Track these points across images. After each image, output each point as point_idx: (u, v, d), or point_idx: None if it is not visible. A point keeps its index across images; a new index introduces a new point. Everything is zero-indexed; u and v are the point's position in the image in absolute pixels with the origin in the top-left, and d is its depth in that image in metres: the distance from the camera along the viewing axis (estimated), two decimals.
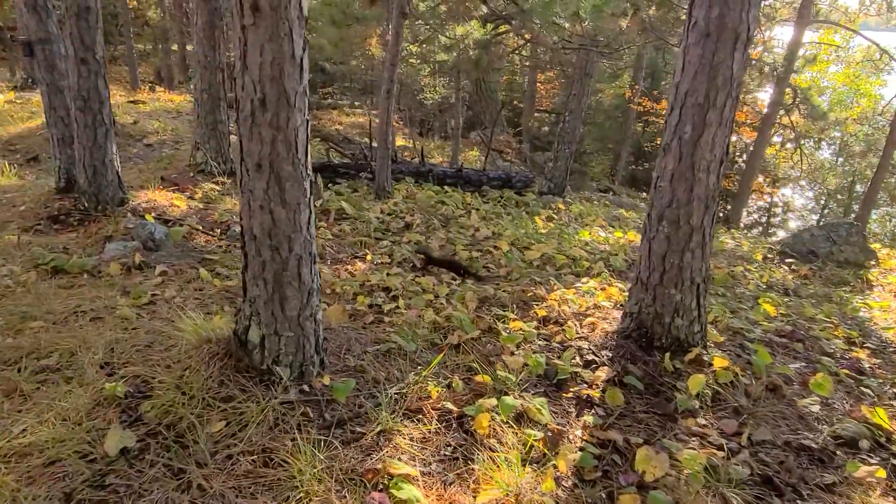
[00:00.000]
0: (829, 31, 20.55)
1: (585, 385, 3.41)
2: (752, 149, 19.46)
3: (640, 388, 3.43)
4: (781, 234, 22.06)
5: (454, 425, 2.93)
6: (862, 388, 3.68)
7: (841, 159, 24.83)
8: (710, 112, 3.50)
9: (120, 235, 5.31)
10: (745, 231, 17.33)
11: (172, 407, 2.72)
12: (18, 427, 2.59)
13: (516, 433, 2.87)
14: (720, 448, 2.89)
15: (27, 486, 2.26)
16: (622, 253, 6.47)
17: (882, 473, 2.72)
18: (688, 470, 2.66)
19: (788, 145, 23.62)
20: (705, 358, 3.71)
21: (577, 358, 3.68)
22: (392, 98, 7.77)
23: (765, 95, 19.06)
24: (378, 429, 2.76)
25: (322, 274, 5.12)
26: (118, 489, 2.30)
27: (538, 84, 24.72)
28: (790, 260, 8.19)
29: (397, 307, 4.22)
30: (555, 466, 2.63)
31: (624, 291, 4.92)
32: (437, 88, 20.09)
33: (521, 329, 3.94)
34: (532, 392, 3.29)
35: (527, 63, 18.94)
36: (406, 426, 2.85)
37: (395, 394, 3.07)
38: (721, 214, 13.81)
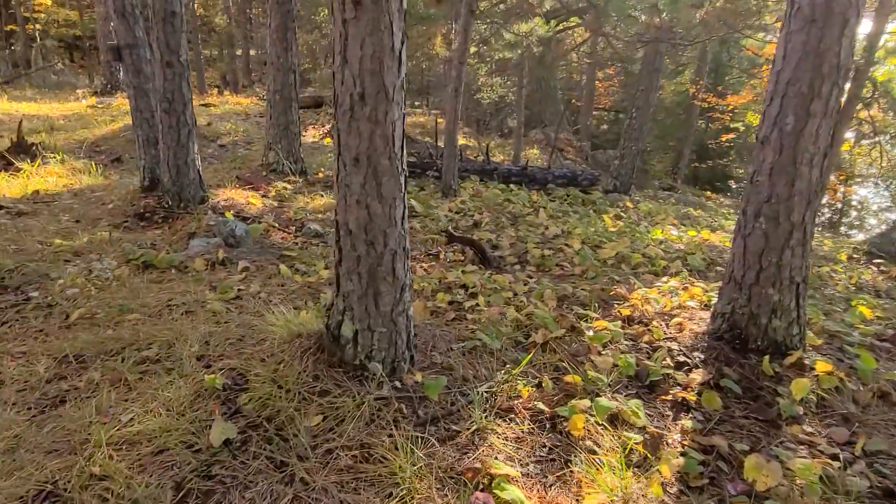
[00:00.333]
0: None
1: (679, 387, 3.28)
2: None
3: (738, 392, 3.27)
4: (854, 233, 20.93)
5: (547, 426, 2.86)
6: None
7: None
8: (815, 102, 3.30)
9: (202, 232, 5.46)
10: (819, 229, 16.51)
11: (270, 400, 2.75)
12: (126, 415, 2.67)
13: (612, 436, 2.78)
14: (834, 458, 2.72)
15: (139, 474, 2.32)
16: (699, 252, 6.23)
17: None
18: (801, 480, 2.51)
19: (864, 141, 22.41)
20: (806, 362, 3.51)
21: (668, 359, 3.54)
22: (460, 96, 7.75)
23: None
24: (472, 427, 2.72)
25: None
26: (224, 480, 2.33)
27: (596, 81, 24.28)
28: (878, 260, 7.73)
29: (477, 304, 4.18)
30: (658, 471, 2.52)
31: (707, 291, 4.73)
32: (494, 87, 19.99)
33: (606, 328, 3.83)
34: (624, 394, 3.18)
35: (587, 60, 18.59)
36: (499, 425, 2.80)
37: (485, 392, 3.02)
38: None
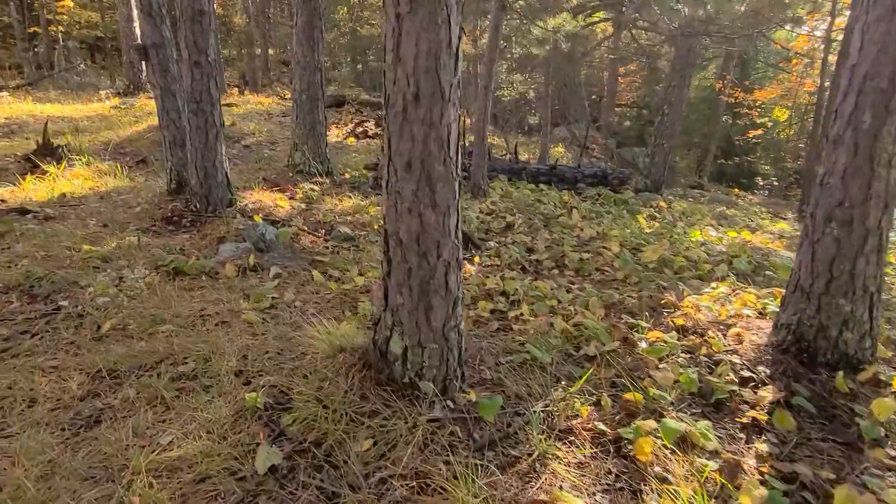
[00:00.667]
0: None
1: (748, 406, 3.06)
2: None
3: (811, 411, 3.04)
4: None
5: (611, 450, 2.66)
6: None
7: None
8: None
9: (232, 237, 5.32)
10: None
11: (315, 421, 2.58)
12: (165, 438, 2.51)
13: (683, 461, 2.57)
14: None
15: None
16: (744, 254, 5.97)
17: None
18: None
19: None
20: (882, 377, 3.27)
21: (731, 374, 3.31)
22: (490, 94, 7.54)
23: None
24: (533, 452, 2.53)
25: None
26: None
27: (618, 77, 23.90)
28: None
29: (522, 314, 3.98)
30: None
31: (761, 298, 4.49)
32: (514, 84, 19.74)
33: (662, 340, 3.61)
34: (689, 413, 2.97)
35: (612, 55, 18.26)
36: (560, 449, 2.60)
37: (541, 411, 2.83)
38: None
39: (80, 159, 8.08)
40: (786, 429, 2.90)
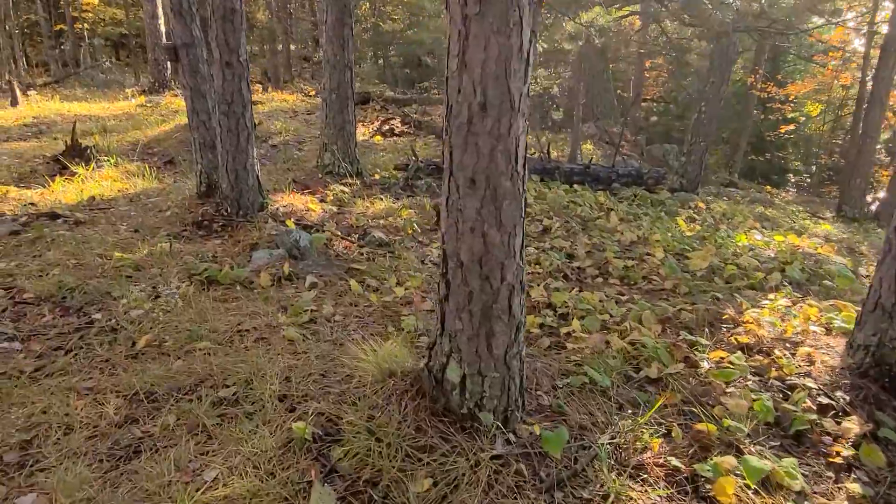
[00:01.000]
0: None
1: (830, 438, 2.81)
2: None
3: None
4: None
5: (688, 490, 2.44)
6: None
7: None
8: None
9: (265, 243, 5.16)
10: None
11: (368, 456, 2.40)
12: (209, 472, 2.35)
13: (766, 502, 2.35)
14: None
15: None
16: (797, 261, 5.67)
17: None
18: None
19: None
20: None
21: (808, 401, 3.06)
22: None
23: None
24: (605, 493, 2.32)
25: None
26: None
27: (644, 72, 23.41)
28: None
29: (573, 331, 3.75)
30: None
31: (824, 312, 4.22)
32: (538, 80, 19.39)
33: (727, 361, 3.37)
34: (769, 447, 2.73)
35: (641, 49, 17.85)
36: (633, 489, 2.39)
37: (608, 444, 2.61)
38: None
39: (109, 160, 8.00)
40: (876, 465, 2.66)
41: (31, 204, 6.21)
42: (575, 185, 8.72)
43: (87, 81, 17.94)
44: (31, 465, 2.42)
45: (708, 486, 2.43)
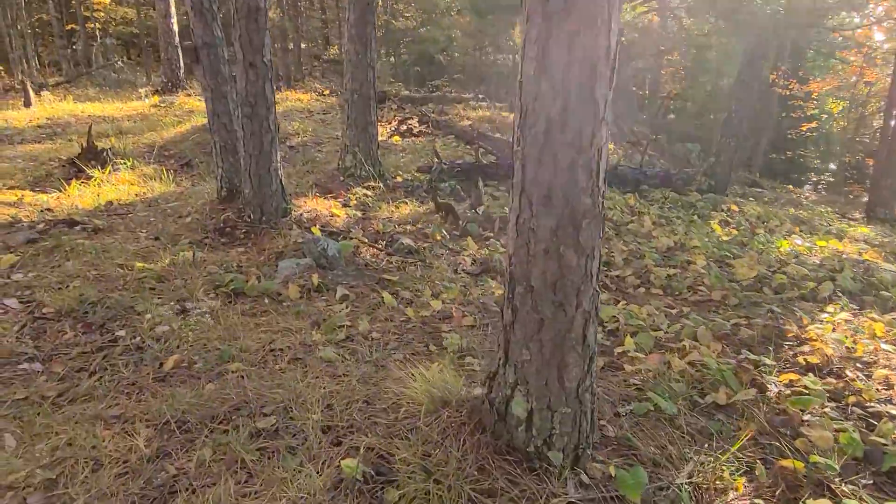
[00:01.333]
0: None
1: None
2: None
3: None
4: None
5: None
6: None
7: None
8: None
9: (290, 251, 4.95)
10: None
11: (427, 500, 2.17)
12: None
13: None
14: None
15: None
16: (847, 270, 5.39)
17: None
18: None
19: None
20: None
21: None
22: None
23: None
24: None
25: None
26: None
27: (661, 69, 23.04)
28: None
29: (628, 350, 3.51)
30: None
31: (890, 328, 3.96)
32: None
33: (801, 385, 3.11)
34: (862, 486, 2.48)
35: (662, 46, 17.52)
36: None
37: (687, 484, 2.37)
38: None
39: (125, 163, 7.81)
40: None
41: (48, 209, 6.02)
42: None
43: (99, 81, 17.82)
44: None
45: None
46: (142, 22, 24.30)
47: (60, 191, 6.74)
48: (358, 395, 2.88)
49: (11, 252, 4.69)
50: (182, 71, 15.23)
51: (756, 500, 2.33)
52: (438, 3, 21.88)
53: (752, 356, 3.51)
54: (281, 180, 5.64)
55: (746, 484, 2.44)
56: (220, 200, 6.08)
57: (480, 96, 15.20)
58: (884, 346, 3.63)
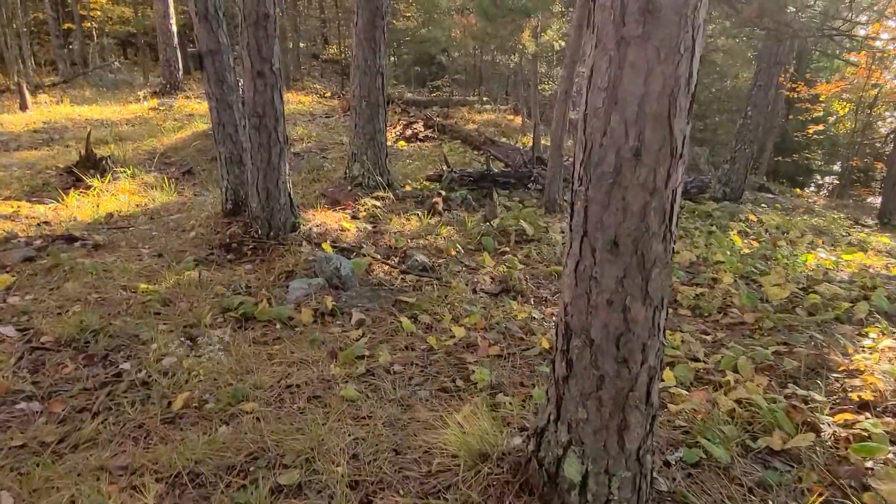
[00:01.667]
0: None
1: None
2: None
3: None
4: None
5: None
6: None
7: None
8: None
9: (301, 270, 4.72)
10: None
11: None
12: None
13: None
14: None
15: None
16: (880, 288, 5.18)
17: None
18: None
19: None
20: None
21: None
22: (570, 100, 6.81)
23: None
24: None
25: (538, 323, 4.29)
26: None
27: None
28: None
29: (670, 387, 3.28)
30: None
31: None
32: (556, 79, 18.86)
33: (860, 427, 2.89)
34: None
35: None
36: None
37: None
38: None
39: (125, 171, 7.56)
40: None
41: (45, 223, 5.78)
42: None
43: (96, 81, 17.51)
44: None
45: None
46: (139, 21, 23.98)
47: (58, 201, 6.50)
48: (385, 443, 2.66)
49: (8, 272, 4.46)
50: (181, 73, 14.98)
51: None
52: (440, 2, 21.61)
53: (799, 391, 3.29)
54: (290, 193, 5.40)
55: None
56: (225, 213, 5.84)
57: (484, 98, 14.96)
58: None
